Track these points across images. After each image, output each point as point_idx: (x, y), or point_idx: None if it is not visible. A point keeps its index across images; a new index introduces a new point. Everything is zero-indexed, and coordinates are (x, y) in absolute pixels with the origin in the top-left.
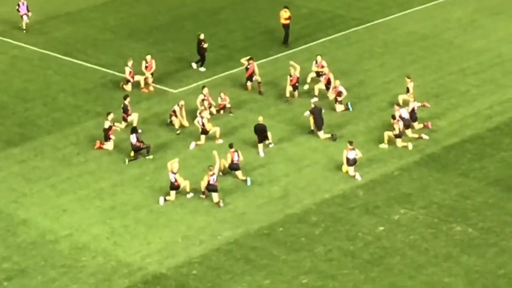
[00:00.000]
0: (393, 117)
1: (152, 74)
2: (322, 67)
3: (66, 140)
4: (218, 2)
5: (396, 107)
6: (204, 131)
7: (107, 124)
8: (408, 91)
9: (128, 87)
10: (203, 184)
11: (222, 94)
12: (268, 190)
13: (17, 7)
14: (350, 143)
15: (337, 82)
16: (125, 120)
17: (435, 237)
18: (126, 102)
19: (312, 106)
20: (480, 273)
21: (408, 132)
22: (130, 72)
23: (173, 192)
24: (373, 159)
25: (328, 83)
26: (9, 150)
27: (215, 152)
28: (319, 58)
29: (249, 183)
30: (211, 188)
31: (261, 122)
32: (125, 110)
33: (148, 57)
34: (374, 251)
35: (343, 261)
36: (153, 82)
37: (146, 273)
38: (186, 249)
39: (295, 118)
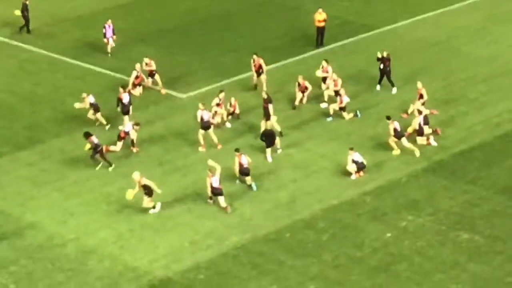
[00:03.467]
0: (388, 117)
1: (151, 75)
2: (327, 72)
3: (74, 143)
4: (228, 8)
5: (390, 122)
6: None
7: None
8: (421, 97)
9: (136, 92)
10: (208, 189)
11: (232, 100)
12: (276, 196)
13: (103, 30)
14: (351, 149)
15: (342, 91)
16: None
17: (442, 244)
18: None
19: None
20: (487, 281)
21: (418, 138)
22: (138, 76)
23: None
24: (381, 165)
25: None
26: (17, 153)
27: (210, 161)
28: (324, 63)
29: (254, 188)
30: (216, 192)
31: (269, 128)
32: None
33: (146, 59)
34: (381, 258)
35: (350, 268)
36: (163, 86)
37: (153, 278)
38: (193, 254)
39: (303, 124)
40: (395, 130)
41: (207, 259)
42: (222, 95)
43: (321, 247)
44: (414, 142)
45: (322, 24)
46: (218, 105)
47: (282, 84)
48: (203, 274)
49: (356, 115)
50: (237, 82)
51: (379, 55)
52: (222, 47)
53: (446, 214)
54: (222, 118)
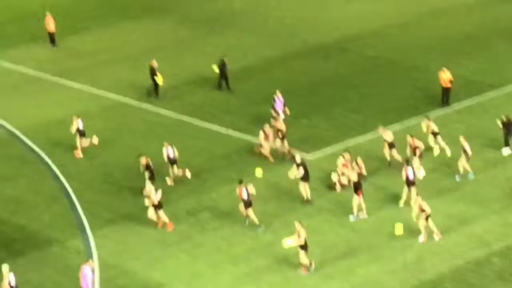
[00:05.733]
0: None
1: (281, 136)
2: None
3: (200, 205)
4: (352, 68)
5: None
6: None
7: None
8: None
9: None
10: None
11: (359, 161)
12: (403, 256)
13: (273, 102)
14: (407, 162)
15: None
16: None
17: None
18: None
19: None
20: None
21: None
22: (266, 135)
23: None
24: (509, 225)
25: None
26: (144, 214)
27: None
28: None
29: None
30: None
31: None
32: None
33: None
34: None
35: None
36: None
37: None
38: None
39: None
40: None
41: None
42: (347, 155)
43: None
44: None
45: (447, 83)
46: (344, 165)
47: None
48: None
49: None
50: (362, 143)
51: (503, 119)
52: (347, 106)
53: None
54: (349, 179)
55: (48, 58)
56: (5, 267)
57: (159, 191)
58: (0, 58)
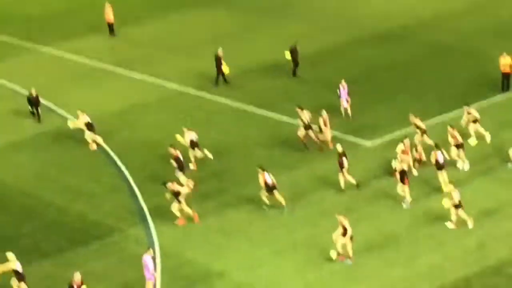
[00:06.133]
0: None
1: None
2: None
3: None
4: (412, 55)
5: None
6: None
7: None
8: None
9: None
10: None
11: (418, 147)
12: (464, 242)
13: (338, 91)
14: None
15: None
16: None
17: None
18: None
19: None
20: None
21: None
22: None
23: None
24: None
25: None
26: (205, 203)
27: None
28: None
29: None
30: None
31: None
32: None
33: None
34: None
35: None
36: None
37: None
38: None
39: (490, 169)
40: None
41: None
42: (407, 141)
43: None
44: None
45: (507, 69)
46: (403, 152)
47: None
48: None
49: None
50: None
51: None
52: (407, 93)
53: None
54: (409, 165)
55: (107, 48)
56: (11, 255)
57: (186, 183)
58: (60, 49)
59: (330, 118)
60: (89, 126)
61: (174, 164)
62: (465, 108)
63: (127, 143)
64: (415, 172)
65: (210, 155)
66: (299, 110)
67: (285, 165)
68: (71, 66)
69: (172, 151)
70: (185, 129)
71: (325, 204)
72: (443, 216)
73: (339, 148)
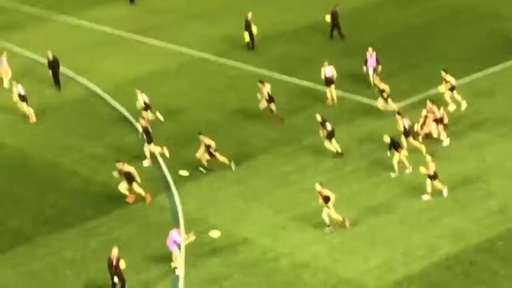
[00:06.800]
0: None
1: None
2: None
3: (282, 158)
4: (429, 17)
5: None
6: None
7: None
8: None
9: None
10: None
11: (441, 109)
12: (486, 204)
13: (365, 56)
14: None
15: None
16: None
17: None
18: None
19: None
20: None
21: None
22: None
23: None
24: None
25: None
26: (226, 170)
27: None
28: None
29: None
30: None
31: None
32: None
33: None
34: None
35: None
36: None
37: None
38: (405, 265)
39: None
40: None
41: (419, 270)
42: (430, 105)
43: None
44: None
45: None
46: (426, 116)
47: (488, 93)
48: (416, 284)
49: None
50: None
51: None
52: (426, 56)
53: None
54: (430, 130)
55: (127, 16)
56: None
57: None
58: (81, 18)
59: (353, 83)
60: (21, 97)
61: (144, 136)
62: (443, 74)
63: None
64: (444, 139)
65: (161, 117)
66: (260, 85)
67: (304, 130)
68: (91, 35)
69: (142, 122)
70: (138, 91)
71: (346, 169)
72: (468, 180)
73: (318, 118)
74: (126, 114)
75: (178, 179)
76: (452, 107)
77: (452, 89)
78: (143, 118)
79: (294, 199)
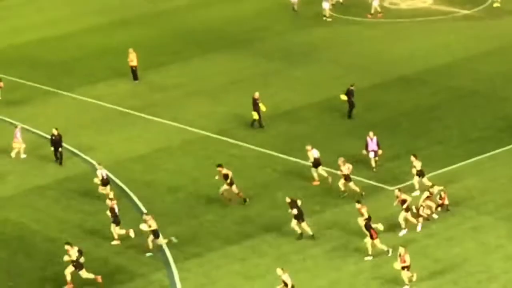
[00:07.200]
0: None
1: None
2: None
3: (283, 238)
4: (434, 100)
5: None
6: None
7: None
8: None
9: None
10: None
11: (442, 193)
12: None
13: (365, 142)
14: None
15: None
16: None
17: None
18: None
19: None
20: None
21: None
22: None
23: None
24: None
25: None
26: (228, 248)
27: None
28: None
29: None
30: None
31: None
32: None
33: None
34: None
35: None
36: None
37: None
38: None
39: None
40: None
41: None
42: (432, 188)
43: None
44: None
45: None
46: (427, 198)
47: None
48: None
49: None
50: (444, 174)
51: None
52: (429, 139)
53: None
54: (431, 210)
55: (130, 93)
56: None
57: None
58: (84, 95)
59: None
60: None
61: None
62: (412, 159)
63: (149, 188)
64: (435, 216)
65: (132, 234)
66: (220, 169)
67: (309, 209)
68: (95, 111)
69: (108, 202)
70: (98, 166)
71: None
72: (466, 262)
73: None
74: (127, 190)
75: (178, 256)
76: (415, 193)
77: (420, 175)
78: (110, 199)
79: (294, 278)
